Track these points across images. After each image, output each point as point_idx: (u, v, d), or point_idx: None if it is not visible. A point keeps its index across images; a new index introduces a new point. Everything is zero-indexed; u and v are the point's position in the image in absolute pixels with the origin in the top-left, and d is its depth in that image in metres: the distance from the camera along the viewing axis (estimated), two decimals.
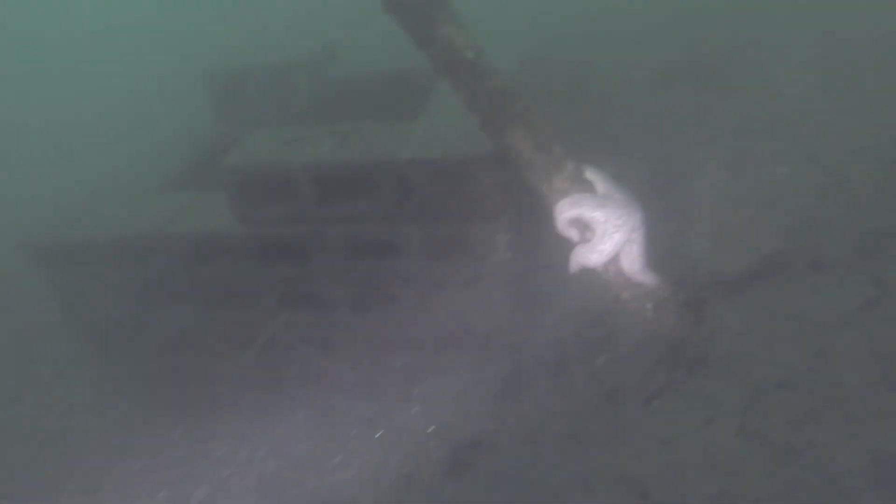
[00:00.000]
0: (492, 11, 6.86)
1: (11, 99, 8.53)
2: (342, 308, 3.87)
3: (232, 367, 4.14)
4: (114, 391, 4.32)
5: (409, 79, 4.93)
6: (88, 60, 9.38)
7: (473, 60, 2.71)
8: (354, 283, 3.74)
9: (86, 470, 3.77)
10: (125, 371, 4.40)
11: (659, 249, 3.60)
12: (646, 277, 2.86)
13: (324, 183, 3.36)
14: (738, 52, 5.71)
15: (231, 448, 3.74)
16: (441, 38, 2.71)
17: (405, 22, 2.78)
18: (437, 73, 2.68)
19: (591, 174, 2.83)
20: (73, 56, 9.64)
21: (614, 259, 2.77)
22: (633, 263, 2.74)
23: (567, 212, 2.77)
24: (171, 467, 3.69)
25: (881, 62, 4.89)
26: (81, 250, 3.94)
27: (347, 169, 3.25)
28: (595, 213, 2.71)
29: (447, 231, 3.33)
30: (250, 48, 5.78)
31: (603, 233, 2.71)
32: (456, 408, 3.79)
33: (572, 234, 2.85)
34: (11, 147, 7.59)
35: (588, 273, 2.92)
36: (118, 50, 9.05)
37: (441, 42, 2.71)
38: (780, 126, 4.64)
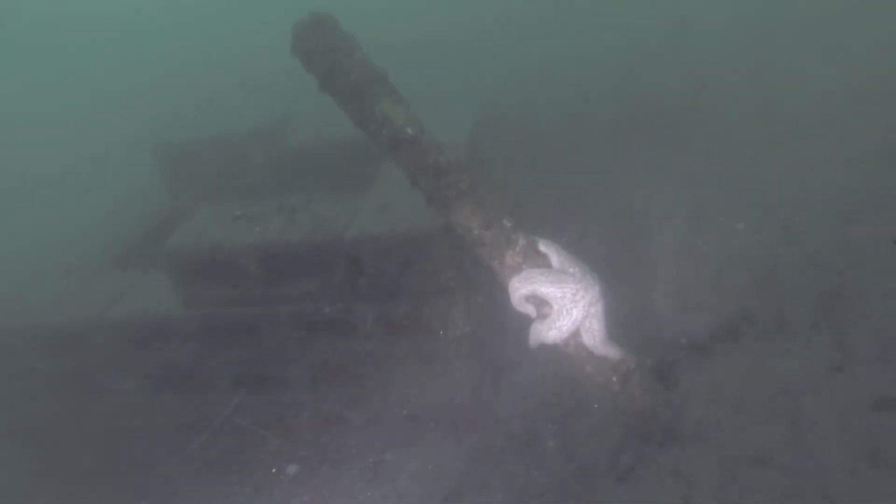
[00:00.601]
0: (446, 68, 6.93)
1: None
2: (299, 387, 3.67)
3: (179, 456, 3.88)
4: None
5: (362, 146, 4.86)
6: (42, 116, 9.17)
7: (414, 137, 2.64)
8: (310, 363, 3.55)
9: None
10: (62, 464, 4.09)
11: (622, 313, 3.52)
12: (608, 350, 2.77)
13: (271, 263, 3.22)
14: (689, 104, 5.82)
15: None
16: (379, 115, 2.65)
17: (342, 101, 2.72)
18: (379, 150, 2.61)
19: (544, 247, 2.75)
20: (24, 110, 9.44)
21: (574, 334, 2.68)
22: (593, 337, 2.64)
23: (521, 288, 2.66)
24: None
25: (827, 114, 5.00)
26: (4, 339, 3.70)
27: (295, 248, 3.12)
28: (550, 289, 2.62)
29: (402, 307, 3.19)
30: (205, 113, 5.68)
31: (560, 308, 2.61)
32: (423, 486, 3.58)
33: (528, 309, 2.75)
34: None
35: (549, 348, 2.82)
36: (74, 107, 8.85)
37: (380, 119, 2.64)
38: (735, 179, 4.66)
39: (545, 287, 2.54)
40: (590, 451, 3.24)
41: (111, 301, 3.69)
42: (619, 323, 2.96)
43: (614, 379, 2.81)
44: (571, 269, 2.59)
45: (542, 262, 2.64)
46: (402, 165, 2.59)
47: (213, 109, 5.96)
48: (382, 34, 5.77)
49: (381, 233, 3.00)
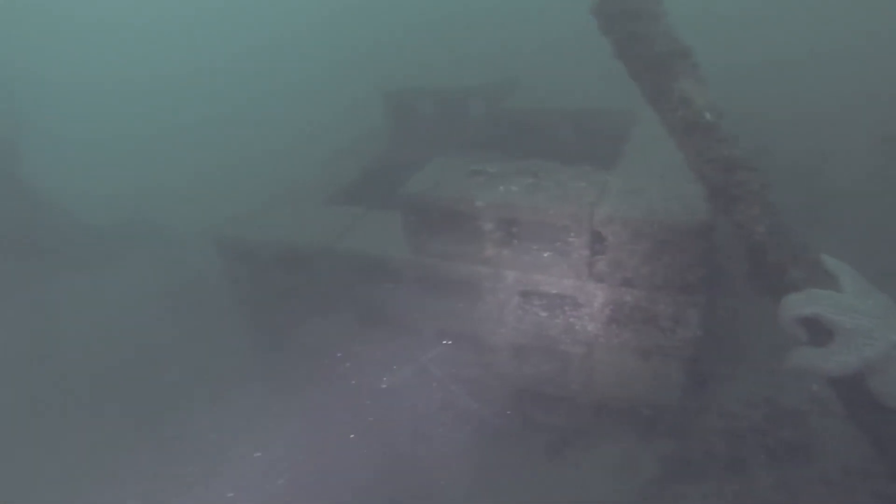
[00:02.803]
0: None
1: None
2: (499, 352, 3.67)
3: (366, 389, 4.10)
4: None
5: (590, 120, 4.69)
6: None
7: (712, 123, 2.43)
8: (520, 329, 3.53)
9: None
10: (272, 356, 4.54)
11: None
12: None
13: (510, 226, 3.20)
14: None
15: None
16: (677, 93, 2.46)
17: (635, 72, 2.55)
18: (670, 132, 2.43)
19: (835, 269, 2.42)
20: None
21: (857, 375, 2.30)
22: (885, 386, 2.29)
23: (800, 309, 2.36)
24: None
25: None
26: (256, 250, 4.06)
27: (539, 216, 3.06)
28: (839, 318, 2.30)
29: (635, 295, 3.04)
30: (439, 71, 5.78)
31: (847, 343, 2.28)
32: (606, 478, 3.48)
33: (799, 332, 2.45)
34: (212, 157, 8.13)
35: (813, 376, 2.51)
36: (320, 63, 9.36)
37: (676, 98, 2.45)
38: None
39: (832, 314, 2.25)
40: (816, 497, 2.93)
41: (340, 234, 3.90)
42: None
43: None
44: (869, 301, 2.27)
45: (830, 285, 2.34)
46: (691, 152, 2.39)
47: (443, 67, 6.06)
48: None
49: (634, 216, 2.84)
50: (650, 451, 3.48)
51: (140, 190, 7.28)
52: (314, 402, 4.29)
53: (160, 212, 6.92)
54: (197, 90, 9.75)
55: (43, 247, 5.71)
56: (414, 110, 5.46)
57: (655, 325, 3.12)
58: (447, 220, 3.34)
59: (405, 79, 5.58)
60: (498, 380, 3.78)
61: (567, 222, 3.00)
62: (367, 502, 3.66)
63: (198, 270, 6.17)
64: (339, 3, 9.68)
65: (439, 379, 3.92)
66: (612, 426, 3.63)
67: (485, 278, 3.38)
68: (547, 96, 5.06)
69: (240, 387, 4.69)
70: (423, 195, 3.33)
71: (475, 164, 3.55)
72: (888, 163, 4.97)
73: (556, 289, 3.24)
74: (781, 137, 5.39)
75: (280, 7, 10.92)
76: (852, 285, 2.31)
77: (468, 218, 3.26)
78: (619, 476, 3.45)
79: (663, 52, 2.42)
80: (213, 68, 10.31)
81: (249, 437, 4.16)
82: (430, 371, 3.94)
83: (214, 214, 4.82)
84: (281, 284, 4.14)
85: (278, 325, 4.36)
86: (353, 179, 4.86)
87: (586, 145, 4.66)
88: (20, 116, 5.32)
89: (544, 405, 3.77)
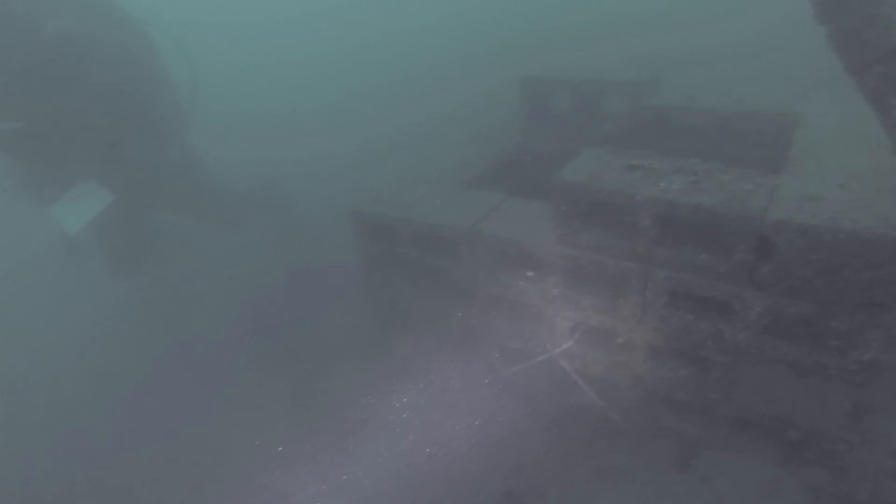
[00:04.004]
0: None
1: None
2: (644, 355, 3.57)
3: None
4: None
5: (743, 122, 4.47)
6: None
7: None
8: (664, 335, 3.43)
9: None
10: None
11: None
12: None
13: (667, 224, 3.10)
14: None
15: None
16: None
17: (862, 64, 2.34)
18: (889, 133, 2.25)
19: None
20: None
21: None
22: None
23: None
24: None
25: None
26: (393, 227, 4.16)
27: (701, 215, 2.94)
28: None
29: (802, 309, 2.86)
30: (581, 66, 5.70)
31: None
32: (739, 493, 3.31)
33: None
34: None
35: None
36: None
37: None
38: None
39: None
40: None
41: (480, 217, 3.93)
42: None
43: None
44: None
45: None
46: None
47: (581, 58, 5.98)
48: None
49: (815, 224, 2.67)
50: (796, 478, 3.28)
51: (276, 163, 7.66)
52: (433, 381, 4.37)
53: (292, 185, 7.26)
54: (343, 68, 10.08)
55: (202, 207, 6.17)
56: (550, 100, 5.41)
57: (821, 343, 2.93)
58: (600, 213, 3.29)
59: (544, 70, 5.52)
60: (628, 380, 3.69)
61: (732, 225, 2.87)
62: (482, 489, 3.69)
63: (318, 243, 6.45)
64: None
65: (566, 373, 3.88)
66: (750, 444, 3.46)
67: (633, 274, 3.30)
68: (695, 94, 4.87)
69: (362, 359, 4.86)
70: (579, 185, 3.29)
71: (632, 158, 3.47)
72: None
73: (709, 292, 3.11)
74: None
75: None
76: None
77: (624, 212, 3.19)
78: (756, 499, 3.28)
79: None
80: (358, 49, 10.61)
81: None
82: (559, 364, 3.91)
83: (343, 192, 4.98)
84: (414, 263, 4.23)
85: (404, 303, 4.47)
86: (488, 166, 4.88)
87: (736, 148, 4.45)
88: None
89: (676, 411, 3.65)
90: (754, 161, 4.09)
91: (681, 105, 4.72)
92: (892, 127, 2.18)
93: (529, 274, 3.77)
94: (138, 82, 5.13)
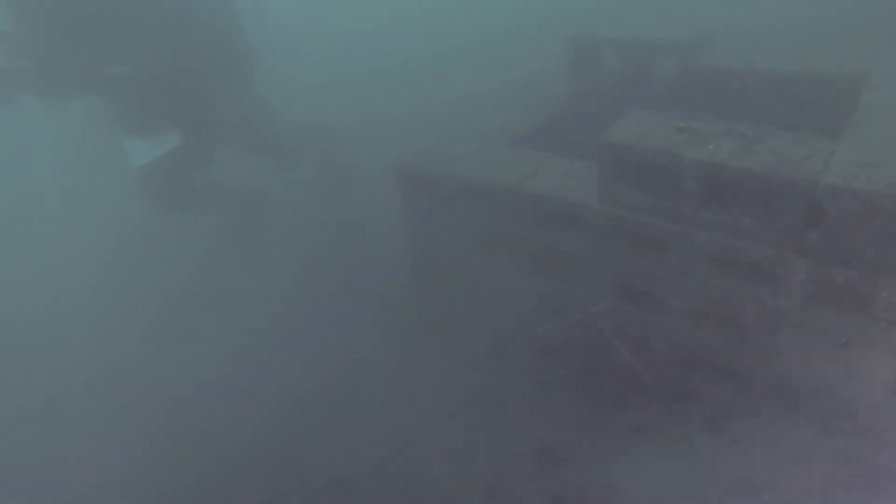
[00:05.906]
0: None
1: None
2: (681, 318, 3.57)
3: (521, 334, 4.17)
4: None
5: (802, 85, 4.31)
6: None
7: None
8: (703, 298, 3.41)
9: None
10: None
11: None
12: None
13: (715, 187, 3.06)
14: None
15: None
16: None
17: None
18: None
19: None
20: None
21: None
22: None
23: None
24: None
25: None
26: (439, 182, 4.19)
27: (750, 180, 2.90)
28: None
29: (851, 277, 2.82)
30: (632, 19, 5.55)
31: None
32: (774, 471, 3.29)
33: None
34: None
35: None
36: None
37: None
38: None
39: None
40: None
41: (526, 174, 3.93)
42: None
43: None
44: None
45: None
46: None
47: (633, 18, 5.79)
48: None
49: (871, 189, 2.60)
50: (831, 448, 3.27)
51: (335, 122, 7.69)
52: (464, 342, 4.46)
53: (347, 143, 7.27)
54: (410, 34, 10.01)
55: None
56: (599, 60, 5.31)
57: (867, 313, 2.89)
58: (647, 174, 3.26)
59: (594, 30, 5.40)
60: (665, 343, 3.71)
61: (782, 189, 2.82)
62: (517, 439, 3.78)
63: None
64: None
65: (603, 332, 3.91)
66: (785, 412, 3.45)
67: (676, 236, 3.28)
68: (746, 56, 4.69)
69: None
70: (625, 145, 3.26)
71: (681, 120, 3.41)
72: None
73: (753, 257, 3.08)
74: None
75: None
76: None
77: (671, 174, 3.15)
78: (789, 466, 3.28)
79: None
80: (424, 15, 10.49)
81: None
82: (595, 323, 3.94)
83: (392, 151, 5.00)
84: (459, 220, 4.27)
85: (447, 259, 4.52)
86: (535, 125, 4.84)
87: (793, 114, 4.30)
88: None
89: (711, 377, 3.65)
90: (812, 128, 3.96)
91: (734, 67, 4.57)
92: None
93: (571, 233, 3.78)
94: (230, 27, 5.26)
